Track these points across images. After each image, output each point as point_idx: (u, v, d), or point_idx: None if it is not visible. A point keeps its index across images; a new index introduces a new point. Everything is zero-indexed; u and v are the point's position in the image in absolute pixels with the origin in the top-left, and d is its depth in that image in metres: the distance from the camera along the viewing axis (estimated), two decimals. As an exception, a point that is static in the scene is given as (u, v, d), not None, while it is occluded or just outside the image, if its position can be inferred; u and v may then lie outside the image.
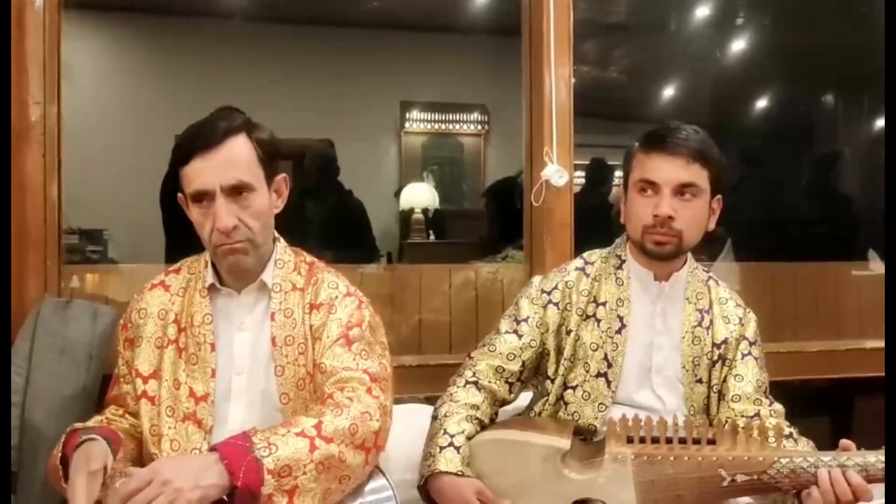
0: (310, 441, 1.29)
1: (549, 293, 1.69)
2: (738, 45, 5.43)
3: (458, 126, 6.37)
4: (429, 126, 6.29)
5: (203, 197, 1.42)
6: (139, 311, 1.53)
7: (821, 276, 3.23)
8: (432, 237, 5.58)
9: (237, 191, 1.42)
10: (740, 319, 1.69)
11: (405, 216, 5.70)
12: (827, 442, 1.54)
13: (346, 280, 1.57)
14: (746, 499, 1.61)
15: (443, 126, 6.32)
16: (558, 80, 2.28)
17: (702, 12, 5.28)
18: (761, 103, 5.71)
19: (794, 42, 4.90)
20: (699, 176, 1.58)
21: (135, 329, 1.53)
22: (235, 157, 1.42)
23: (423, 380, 2.12)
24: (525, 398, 1.77)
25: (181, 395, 1.46)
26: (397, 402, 2.00)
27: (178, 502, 1.20)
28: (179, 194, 1.48)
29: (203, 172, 1.41)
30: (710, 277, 1.73)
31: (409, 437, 1.68)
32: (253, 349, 1.49)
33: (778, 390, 1.73)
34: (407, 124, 6.20)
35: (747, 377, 1.64)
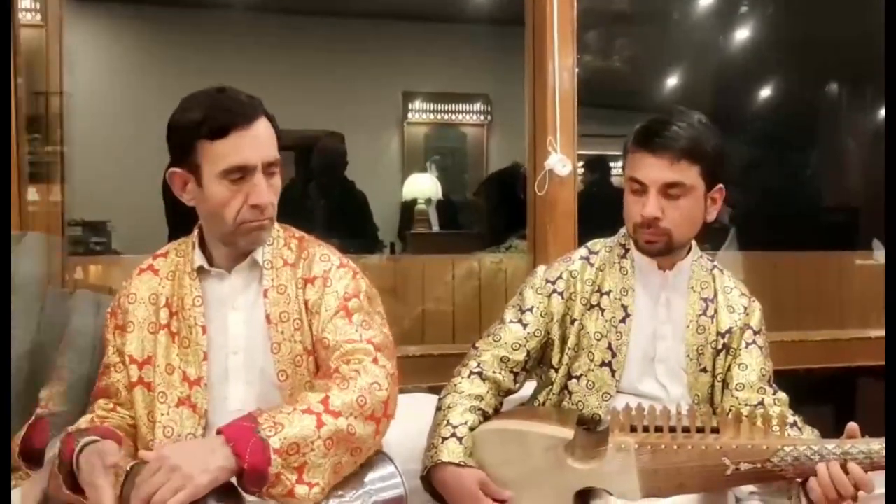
0: (316, 417, 1.28)
1: (553, 283, 1.69)
2: (742, 34, 5.41)
3: (460, 116, 6.35)
4: (431, 116, 6.27)
5: (240, 172, 1.39)
6: (128, 296, 1.51)
7: (824, 266, 3.23)
8: (435, 228, 5.58)
9: (271, 168, 1.42)
10: (745, 308, 1.68)
11: (408, 207, 5.70)
12: (831, 431, 1.54)
13: (337, 252, 1.55)
14: (750, 487, 1.62)
15: (445, 116, 6.30)
16: (561, 70, 2.28)
17: (705, 1, 5.25)
18: (765, 92, 5.68)
19: (798, 31, 4.88)
20: (686, 174, 1.56)
21: (124, 315, 1.50)
22: (268, 134, 1.42)
23: (426, 370, 2.12)
24: (529, 388, 1.77)
25: (174, 380, 1.44)
26: (401, 391, 2.00)
27: (188, 488, 1.19)
28: (176, 170, 1.43)
29: (243, 147, 1.38)
30: (714, 266, 1.73)
31: (413, 426, 1.67)
32: (248, 328, 1.47)
33: (781, 379, 1.73)
34: (409, 115, 6.18)
35: (751, 366, 1.64)
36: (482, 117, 6.31)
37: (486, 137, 6.29)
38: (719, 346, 1.65)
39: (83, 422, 1.46)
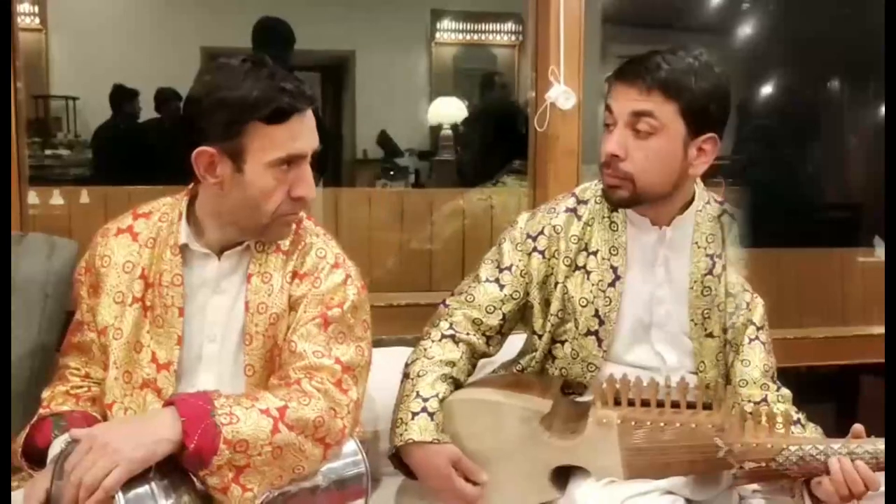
0: (273, 422, 1.22)
1: (534, 239, 1.52)
2: (745, 31, 5.33)
3: (491, 36, 6.06)
4: (461, 36, 6.00)
5: (292, 162, 1.29)
6: (102, 257, 1.39)
7: (826, 263, 3.21)
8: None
9: (312, 158, 1.33)
10: (747, 304, 1.57)
11: (434, 132, 5.43)
12: (833, 429, 1.52)
13: (336, 245, 1.44)
14: (753, 485, 1.54)
15: (475, 36, 6.02)
16: (568, -11, 2.04)
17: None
18: (766, 89, 5.61)
19: (801, 27, 4.84)
20: (660, 108, 1.37)
21: (96, 276, 1.39)
22: (314, 122, 1.32)
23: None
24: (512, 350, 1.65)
25: (142, 360, 1.35)
26: (394, 343, 1.85)
27: (121, 465, 1.12)
28: (208, 149, 1.28)
29: (300, 135, 1.28)
30: (724, 211, 1.55)
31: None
32: (229, 315, 1.37)
33: (783, 377, 1.65)
34: (438, 34, 5.93)
35: (754, 362, 1.54)
36: (514, 37, 6.01)
37: (518, 59, 5.95)
38: (730, 309, 1.52)
39: (58, 395, 1.39)
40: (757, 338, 1.58)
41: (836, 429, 1.45)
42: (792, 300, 3.04)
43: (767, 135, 4.53)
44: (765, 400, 1.53)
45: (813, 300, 3.10)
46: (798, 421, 1.53)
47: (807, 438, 1.41)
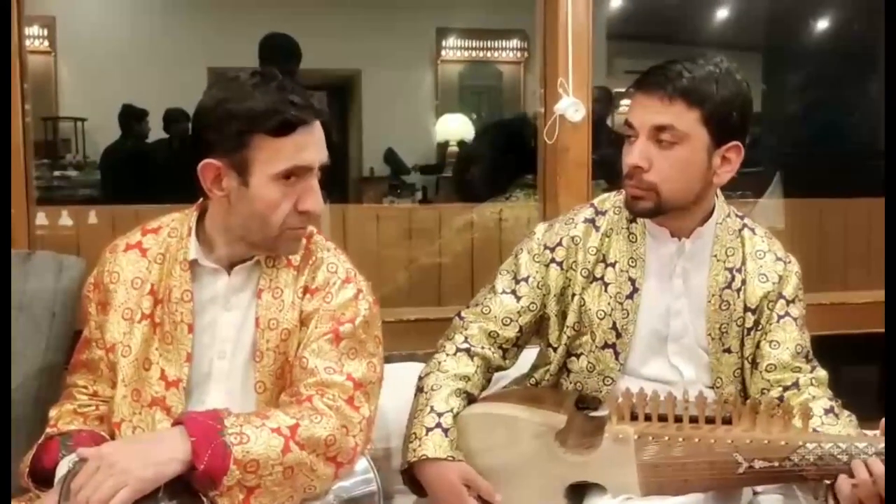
0: (284, 441, 1.20)
1: (552, 250, 1.50)
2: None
3: (496, 53, 6.14)
4: (466, 54, 6.07)
5: (298, 174, 1.28)
6: (111, 273, 1.38)
7: (876, 214, 3.01)
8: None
9: (320, 171, 1.32)
10: (779, 276, 1.49)
11: (441, 149, 5.53)
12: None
13: (346, 260, 1.43)
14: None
15: (481, 53, 6.09)
16: (575, 0, 2.04)
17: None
18: (822, 24, 5.24)
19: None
20: (682, 118, 1.35)
21: (105, 292, 1.38)
22: (323, 135, 1.31)
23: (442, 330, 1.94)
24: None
25: (151, 377, 1.33)
26: (405, 359, 1.83)
27: (130, 485, 1.12)
28: (214, 162, 1.27)
29: (306, 147, 1.27)
30: (744, 226, 1.52)
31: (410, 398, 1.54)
32: (239, 331, 1.36)
33: (826, 345, 1.57)
34: (443, 52, 5.99)
35: (784, 343, 1.46)
36: (519, 54, 6.07)
37: (524, 75, 6.02)
38: (749, 325, 1.47)
39: (66, 414, 1.38)
40: (787, 314, 1.49)
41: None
42: (836, 257, 2.87)
43: (820, 74, 4.26)
44: (796, 384, 1.45)
45: (859, 256, 2.92)
46: (831, 409, 1.43)
47: (827, 436, 1.31)
